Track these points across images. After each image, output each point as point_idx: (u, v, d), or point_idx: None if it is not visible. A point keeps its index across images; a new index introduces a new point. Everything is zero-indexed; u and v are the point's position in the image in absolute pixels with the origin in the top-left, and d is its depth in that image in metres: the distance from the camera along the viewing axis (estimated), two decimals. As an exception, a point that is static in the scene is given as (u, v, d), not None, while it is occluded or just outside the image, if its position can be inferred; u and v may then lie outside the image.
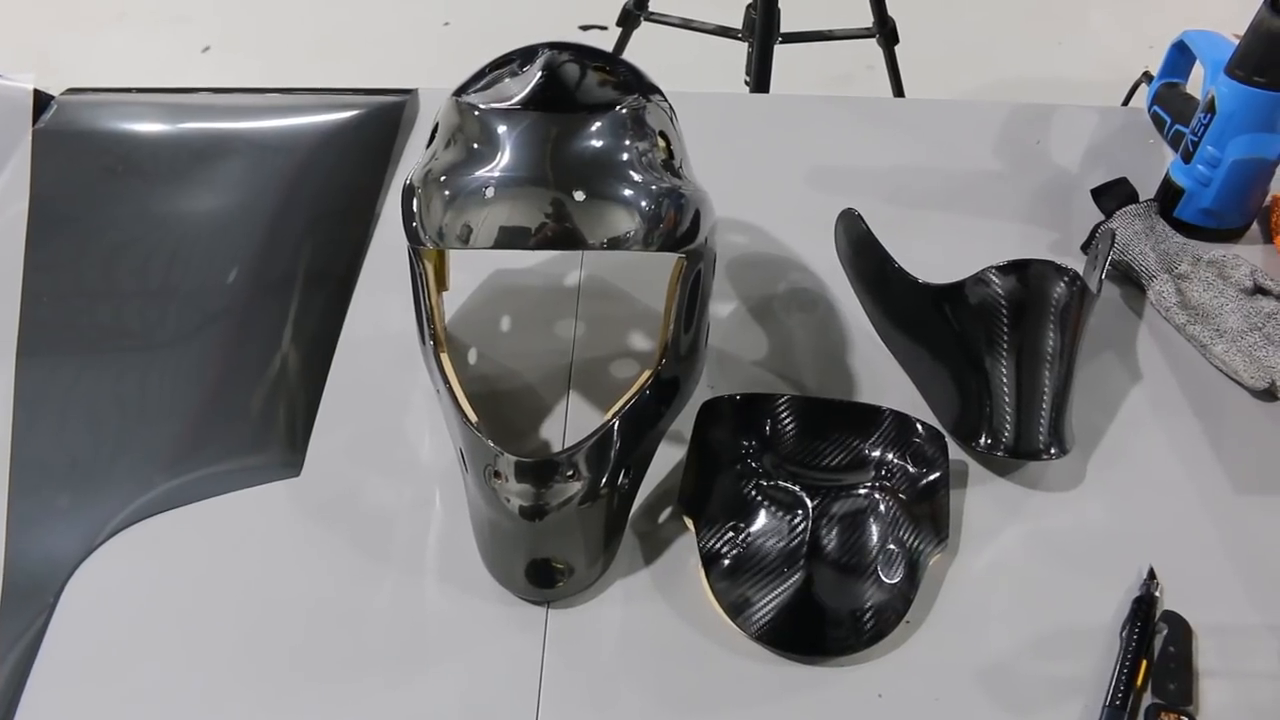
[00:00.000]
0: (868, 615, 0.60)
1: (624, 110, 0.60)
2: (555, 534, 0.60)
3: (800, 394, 0.68)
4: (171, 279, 0.82)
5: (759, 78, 1.20)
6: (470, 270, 0.82)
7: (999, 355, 0.67)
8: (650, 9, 1.40)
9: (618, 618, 0.62)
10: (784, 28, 1.30)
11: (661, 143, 0.62)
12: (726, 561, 0.61)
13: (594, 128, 0.59)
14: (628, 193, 0.58)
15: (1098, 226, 0.81)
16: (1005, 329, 0.67)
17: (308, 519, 0.66)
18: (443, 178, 0.59)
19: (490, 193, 0.57)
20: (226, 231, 0.86)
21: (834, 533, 0.60)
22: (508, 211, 0.57)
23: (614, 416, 0.61)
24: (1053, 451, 0.66)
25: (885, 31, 1.30)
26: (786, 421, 0.66)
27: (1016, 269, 0.67)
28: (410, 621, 0.61)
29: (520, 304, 0.80)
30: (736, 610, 0.60)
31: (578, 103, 0.59)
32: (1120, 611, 0.62)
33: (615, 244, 0.58)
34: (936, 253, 0.77)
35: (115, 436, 0.71)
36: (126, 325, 0.79)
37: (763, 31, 1.22)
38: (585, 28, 2.35)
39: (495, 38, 0.87)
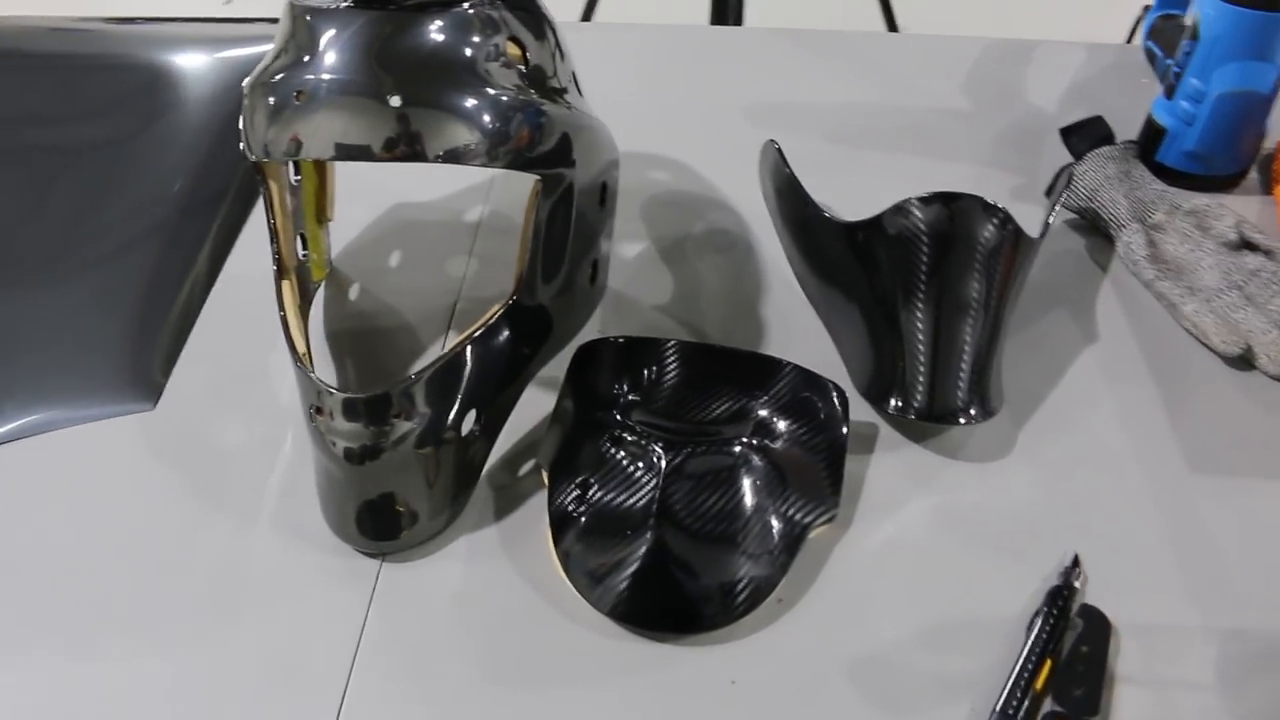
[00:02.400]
0: (729, 589, 0.52)
1: (470, 11, 0.52)
2: (387, 480, 0.54)
3: (694, 341, 0.60)
4: (64, 208, 0.77)
5: (717, 9, 1.11)
6: (367, 204, 0.75)
7: (914, 303, 0.59)
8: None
9: (456, 577, 0.55)
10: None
11: (516, 50, 0.54)
12: (575, 523, 0.54)
13: (428, 28, 0.51)
14: (462, 100, 0.51)
15: (1064, 170, 0.71)
16: (923, 273, 0.58)
17: (150, 455, 0.60)
18: (260, 86, 0.52)
19: (299, 100, 0.50)
20: (126, 162, 0.81)
21: (690, 493, 0.53)
22: (319, 120, 0.50)
23: (453, 351, 0.54)
24: (972, 413, 0.58)
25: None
26: (670, 370, 0.58)
27: (941, 201, 0.58)
28: (234, 568, 0.55)
29: (414, 239, 0.73)
30: (580, 577, 0.53)
31: (414, 1, 0.52)
32: (1033, 603, 0.53)
33: (451, 157, 0.51)
34: (874, 194, 0.68)
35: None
36: (14, 253, 0.74)
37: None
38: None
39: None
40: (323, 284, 0.69)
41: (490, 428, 0.58)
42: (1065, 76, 0.84)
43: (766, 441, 0.55)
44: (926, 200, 0.59)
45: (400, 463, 0.54)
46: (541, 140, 0.54)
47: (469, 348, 0.55)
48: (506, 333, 0.57)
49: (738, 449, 0.54)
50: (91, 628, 0.53)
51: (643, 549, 0.52)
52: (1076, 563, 0.54)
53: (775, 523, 0.53)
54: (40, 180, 0.80)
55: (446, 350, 0.54)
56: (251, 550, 0.56)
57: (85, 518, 0.58)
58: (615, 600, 0.52)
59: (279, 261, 0.59)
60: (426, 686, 0.51)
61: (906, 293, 0.59)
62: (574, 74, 0.60)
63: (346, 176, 0.71)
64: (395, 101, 0.49)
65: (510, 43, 0.54)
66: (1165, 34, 0.80)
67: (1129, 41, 0.90)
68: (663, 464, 0.53)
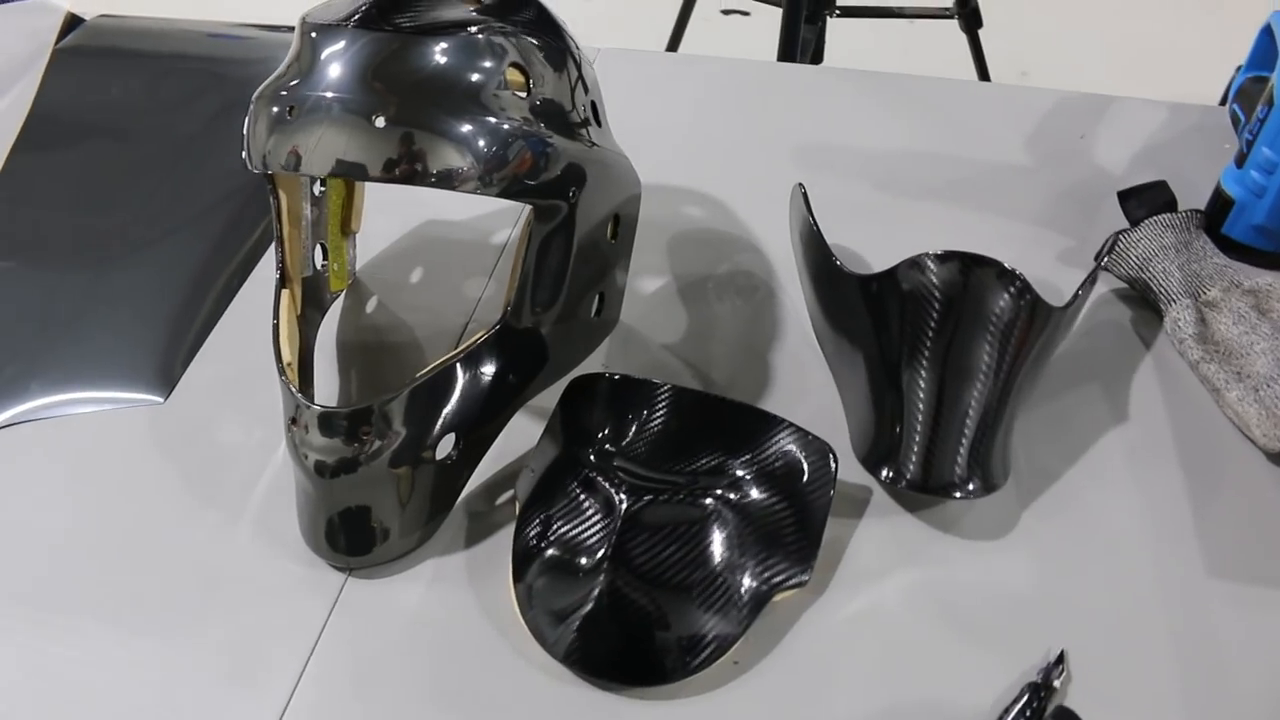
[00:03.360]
0: (682, 644, 0.50)
1: (479, 37, 0.53)
2: (357, 496, 0.54)
3: (688, 387, 0.58)
4: (133, 193, 0.81)
5: (785, 47, 1.08)
6: (399, 217, 0.76)
7: (919, 365, 0.56)
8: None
9: (416, 600, 0.55)
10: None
11: (521, 78, 0.54)
12: (535, 561, 0.53)
13: (431, 51, 0.51)
14: (457, 125, 0.51)
15: (1114, 236, 0.67)
16: (931, 333, 0.56)
17: (152, 448, 0.62)
18: (263, 98, 0.53)
19: (291, 115, 0.51)
20: (194, 162, 0.84)
21: (648, 541, 0.51)
22: (314, 136, 0.50)
23: (432, 371, 0.54)
24: (970, 488, 0.54)
25: (966, 12, 1.15)
26: (659, 414, 0.57)
27: (957, 261, 0.55)
28: (208, 564, 0.57)
29: (438, 256, 0.73)
30: (534, 616, 0.52)
31: (417, 24, 0.52)
32: (1007, 697, 0.49)
33: (444, 181, 0.51)
34: (913, 246, 0.65)
35: (11, 345, 0.69)
36: (71, 239, 0.78)
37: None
38: (727, 12, 2.26)
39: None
40: (343, 294, 0.70)
41: (470, 453, 0.57)
42: (1141, 136, 0.79)
43: (743, 497, 0.53)
44: (942, 258, 0.56)
45: (372, 480, 0.54)
46: (540, 171, 0.53)
47: (450, 370, 0.55)
48: (492, 358, 0.56)
49: (709, 501, 0.53)
50: (61, 607, 0.55)
51: (594, 594, 0.50)
52: (1062, 660, 0.50)
53: (739, 581, 0.51)
54: (132, 166, 0.84)
55: (425, 371, 0.54)
56: (228, 549, 0.57)
57: (79, 501, 0.60)
58: (564, 645, 0.50)
59: (282, 270, 0.60)
60: (369, 707, 0.51)
61: (912, 353, 0.56)
62: (594, 104, 0.60)
63: (379, 189, 0.72)
64: (381, 122, 0.49)
65: (515, 70, 0.54)
66: (1250, 97, 0.74)
67: (1222, 104, 0.84)
68: (621, 508, 0.51)
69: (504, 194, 0.53)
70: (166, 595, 0.56)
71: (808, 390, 0.63)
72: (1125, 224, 0.70)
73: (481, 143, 0.51)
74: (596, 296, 0.63)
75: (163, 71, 0.95)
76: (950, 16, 1.15)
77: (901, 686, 0.50)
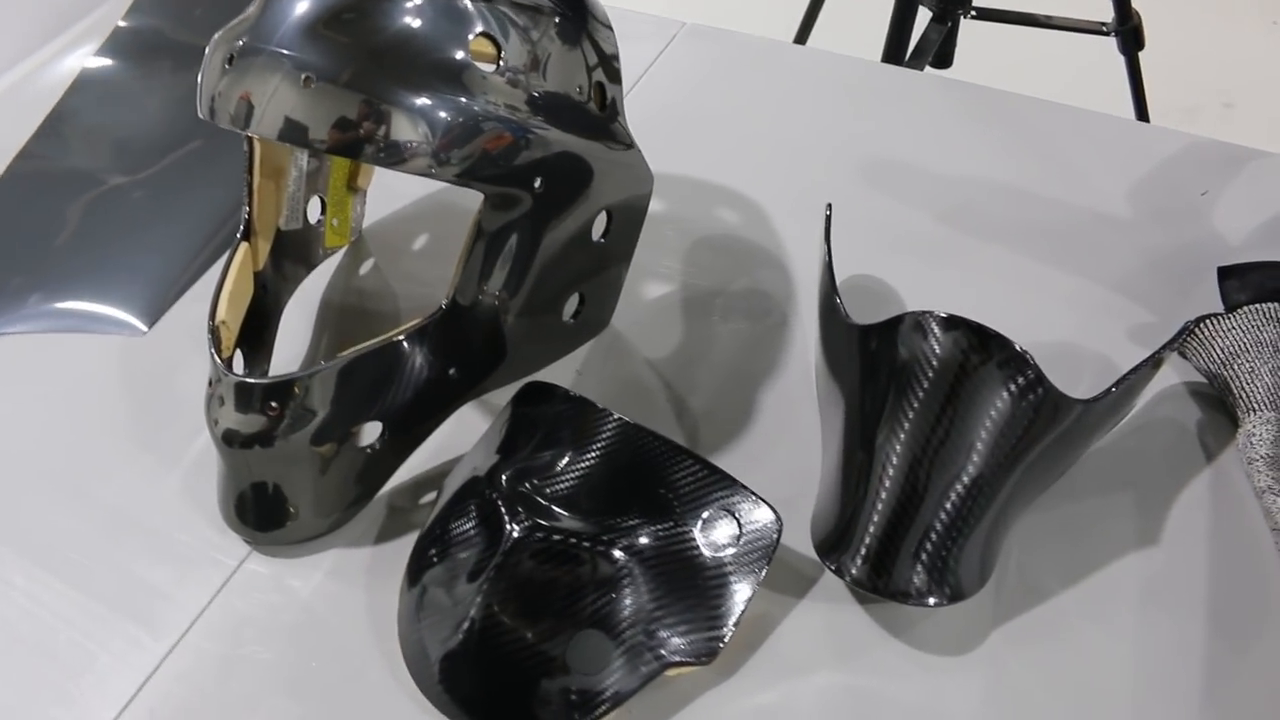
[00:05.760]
0: (549, 698, 0.45)
1: (466, 3, 0.47)
2: (268, 471, 0.51)
3: (642, 426, 0.52)
4: (171, 129, 0.80)
5: (890, 45, 0.97)
6: (423, 179, 0.72)
7: (895, 439, 0.47)
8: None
9: (309, 590, 0.51)
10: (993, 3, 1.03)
11: (489, 49, 0.48)
12: (424, 575, 0.48)
13: (393, 9, 0.46)
14: (408, 96, 0.46)
15: (1192, 323, 0.56)
16: (915, 404, 0.47)
17: (113, 379, 0.61)
18: (217, 42, 0.49)
19: (231, 66, 0.47)
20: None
21: (531, 582, 0.45)
22: (255, 89, 0.46)
23: (359, 351, 0.50)
24: (930, 601, 0.46)
25: (1125, 30, 1.01)
26: (599, 447, 0.50)
27: (965, 331, 0.47)
28: (123, 510, 0.55)
29: (449, 226, 0.69)
30: (410, 636, 0.47)
31: None
32: None
33: (393, 156, 0.46)
34: (957, 296, 0.57)
35: (19, 258, 0.70)
36: (111, 154, 0.78)
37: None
38: None
39: None
40: (341, 251, 0.67)
41: (399, 443, 0.53)
42: (1278, 204, 0.67)
43: (661, 555, 0.47)
44: (947, 323, 0.47)
45: (287, 457, 0.51)
46: (504, 157, 0.48)
47: (382, 352, 0.51)
48: (431, 346, 0.52)
49: (618, 555, 0.46)
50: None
51: (462, 628, 0.45)
52: (986, 822, 0.42)
53: (631, 646, 0.45)
54: (186, 95, 0.84)
55: (354, 349, 0.50)
56: (150, 497, 0.56)
57: (25, 421, 0.59)
58: (427, 675, 0.46)
59: (248, 222, 0.57)
60: (227, 690, 0.48)
61: (892, 424, 0.48)
62: (602, 87, 0.53)
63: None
64: (326, 85, 0.45)
65: (485, 40, 0.48)
66: None
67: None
68: (509, 541, 0.46)
69: (461, 179, 0.48)
70: (72, 529, 0.54)
71: (789, 439, 0.56)
72: (1221, 307, 0.59)
73: (439, 117, 0.46)
74: (575, 297, 0.58)
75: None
76: (1106, 33, 1.01)
77: (789, 808, 0.43)
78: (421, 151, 0.46)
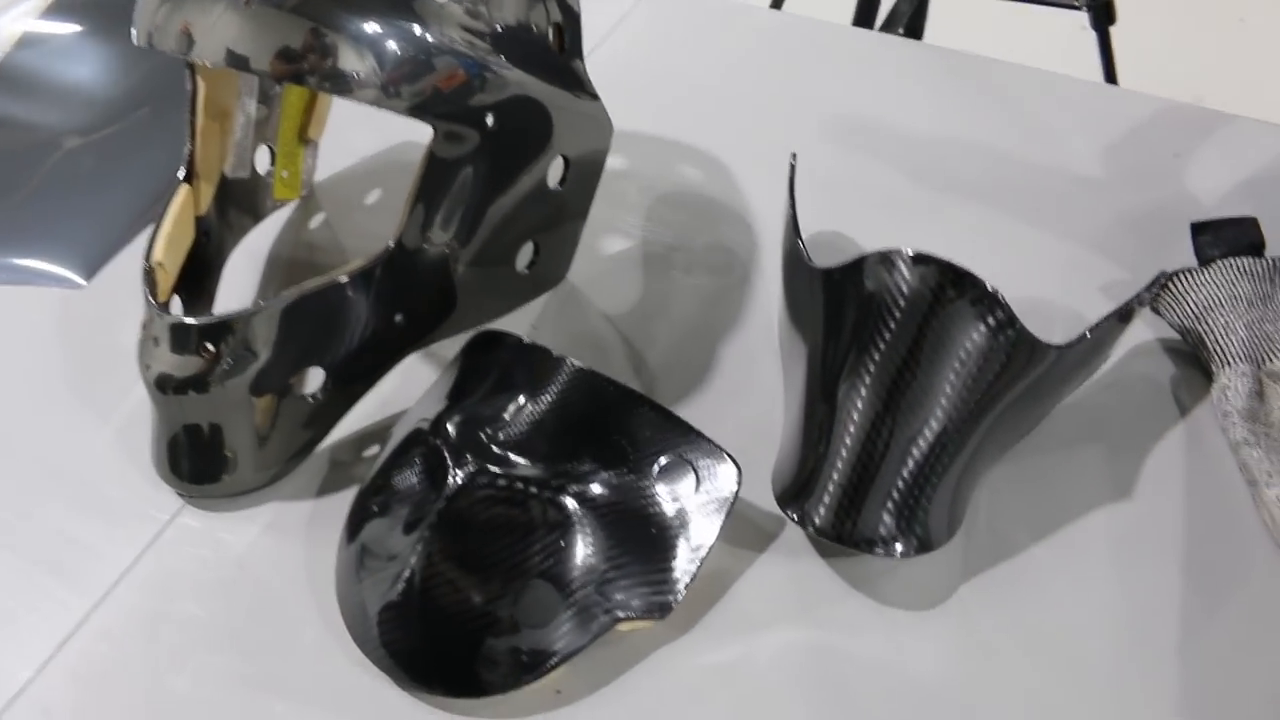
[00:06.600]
0: (491, 655, 0.42)
1: None
2: (204, 419, 0.48)
3: (598, 372, 0.50)
4: (122, 77, 0.77)
5: (860, 10, 0.95)
6: (376, 134, 0.69)
7: (860, 383, 0.45)
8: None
9: (244, 545, 0.49)
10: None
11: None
12: (364, 528, 0.46)
13: None
14: (358, 22, 0.43)
15: (1173, 274, 0.54)
16: (881, 346, 0.45)
17: (49, 331, 0.58)
18: None
19: None
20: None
21: (474, 530, 0.43)
22: (179, 13, 0.44)
23: (302, 291, 0.47)
24: (897, 547, 0.44)
25: (1097, 5, 1.00)
26: (552, 393, 0.48)
27: (936, 268, 0.45)
28: (53, 462, 0.52)
29: (402, 182, 0.66)
30: (348, 591, 0.45)
31: None
32: (872, 807, 0.40)
33: (339, 85, 0.44)
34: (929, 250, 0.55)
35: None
36: (60, 106, 0.75)
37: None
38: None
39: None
40: (291, 205, 0.64)
41: (342, 393, 0.51)
42: (1250, 165, 0.65)
43: (613, 503, 0.44)
44: (917, 260, 0.45)
45: (225, 404, 0.48)
46: (457, 93, 0.46)
47: (325, 293, 0.48)
48: (377, 290, 0.49)
49: (567, 500, 0.44)
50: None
51: (401, 579, 0.43)
52: (953, 777, 0.40)
53: (581, 598, 0.43)
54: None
55: (296, 289, 0.48)
56: (82, 449, 0.53)
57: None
58: (364, 631, 0.43)
59: (190, 163, 0.54)
60: (153, 647, 0.45)
61: (857, 367, 0.46)
62: (560, 29, 0.51)
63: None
64: (272, 8, 0.43)
65: None
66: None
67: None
68: (452, 485, 0.43)
69: (411, 112, 0.46)
70: (3, 481, 0.51)
71: (751, 394, 0.53)
72: (1195, 262, 0.57)
73: (389, 47, 0.44)
74: (529, 247, 0.56)
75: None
76: (1078, 8, 1.00)
77: (746, 764, 0.41)
78: (370, 83, 0.44)
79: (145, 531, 0.49)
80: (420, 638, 0.43)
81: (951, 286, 0.44)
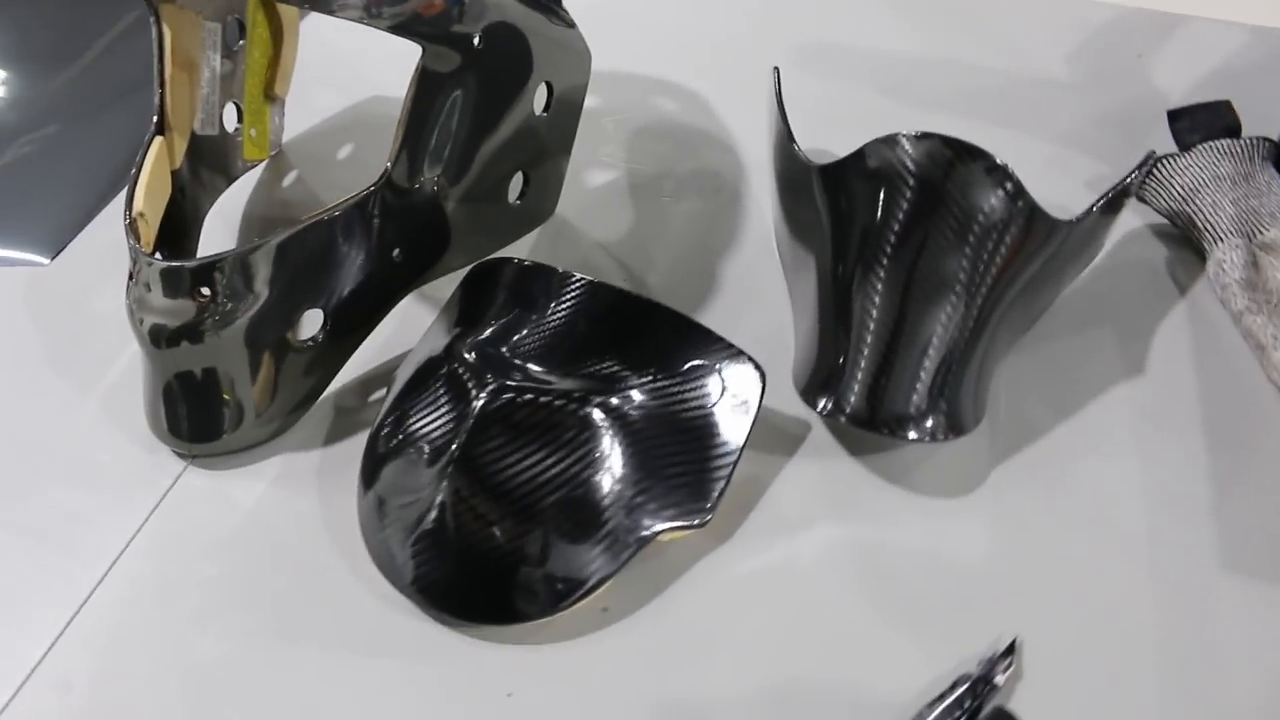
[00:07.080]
0: (537, 579, 0.41)
1: None
2: (202, 371, 0.46)
3: (609, 283, 0.49)
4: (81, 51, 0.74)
5: None
6: (342, 91, 0.67)
7: (877, 272, 0.45)
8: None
9: (254, 500, 0.47)
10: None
11: None
12: (384, 468, 0.44)
13: None
14: None
15: (1158, 158, 0.55)
16: (896, 232, 0.45)
17: (18, 310, 0.56)
18: None
19: None
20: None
21: (506, 450, 0.42)
22: None
23: (298, 228, 0.46)
24: (928, 425, 0.44)
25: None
26: (565, 309, 0.47)
27: (941, 145, 0.45)
28: (46, 438, 0.50)
29: (373, 135, 0.64)
30: (375, 535, 0.43)
31: None
32: (935, 689, 0.39)
33: (317, 4, 0.42)
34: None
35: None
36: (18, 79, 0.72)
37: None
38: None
39: None
40: (261, 166, 0.62)
41: (342, 336, 0.49)
42: (1212, 60, 0.67)
43: (642, 412, 0.43)
44: (920, 139, 0.45)
45: (222, 353, 0.46)
46: (444, 12, 0.45)
47: (320, 228, 0.46)
48: (373, 225, 0.47)
49: (596, 413, 0.43)
50: None
51: (433, 509, 0.41)
52: (1011, 651, 0.40)
53: (619, 512, 0.42)
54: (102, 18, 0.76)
55: (292, 227, 0.46)
56: (70, 422, 0.51)
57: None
58: (402, 569, 0.42)
59: (161, 114, 0.52)
60: (170, 611, 0.43)
61: (872, 257, 0.45)
62: None
63: (323, 60, 0.64)
64: None
65: None
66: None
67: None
68: (476, 405, 0.42)
69: (395, 30, 0.44)
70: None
71: (757, 306, 0.53)
72: (1175, 149, 0.58)
73: None
74: (520, 178, 0.54)
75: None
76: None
77: (802, 660, 0.40)
78: (352, 4, 0.43)
79: (148, 497, 0.47)
80: (464, 569, 0.41)
81: (960, 160, 0.44)
